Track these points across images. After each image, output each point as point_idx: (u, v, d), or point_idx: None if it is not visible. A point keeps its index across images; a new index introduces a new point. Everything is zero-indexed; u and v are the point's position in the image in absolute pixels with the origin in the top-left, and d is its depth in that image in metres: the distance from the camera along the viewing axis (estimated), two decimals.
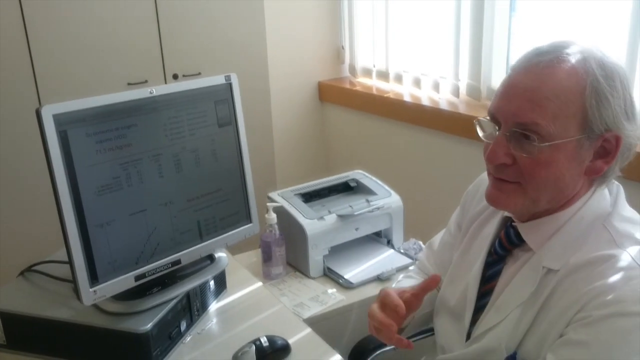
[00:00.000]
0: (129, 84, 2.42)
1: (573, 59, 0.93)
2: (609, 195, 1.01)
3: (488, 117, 1.01)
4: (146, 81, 2.46)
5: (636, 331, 0.86)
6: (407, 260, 1.84)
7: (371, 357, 1.47)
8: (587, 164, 0.96)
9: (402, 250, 1.92)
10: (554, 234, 1.00)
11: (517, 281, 1.03)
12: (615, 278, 0.90)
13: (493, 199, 1.03)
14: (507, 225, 1.09)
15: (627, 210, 1.01)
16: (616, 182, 1.04)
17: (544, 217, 1.01)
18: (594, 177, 0.98)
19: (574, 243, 0.98)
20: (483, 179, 1.22)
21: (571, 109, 0.92)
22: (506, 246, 1.07)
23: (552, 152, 0.93)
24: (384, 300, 1.12)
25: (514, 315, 1.01)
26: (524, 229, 1.04)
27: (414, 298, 1.11)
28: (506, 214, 1.10)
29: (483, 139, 1.04)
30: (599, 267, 0.92)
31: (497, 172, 1.00)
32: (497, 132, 0.98)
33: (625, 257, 0.92)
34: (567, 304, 0.93)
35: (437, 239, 1.37)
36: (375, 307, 1.14)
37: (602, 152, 0.96)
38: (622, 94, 0.93)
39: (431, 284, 1.09)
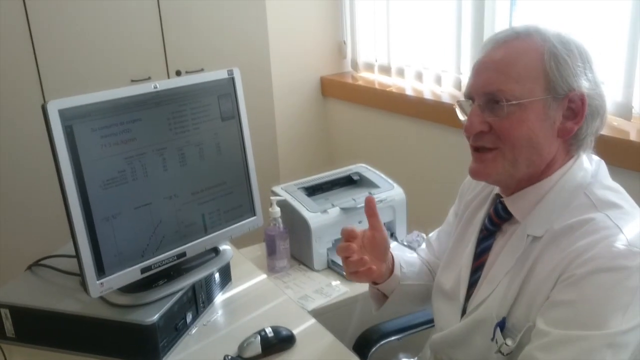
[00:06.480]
0: (132, 80, 2.43)
1: (531, 32, 1.03)
2: (590, 168, 1.06)
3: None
4: (149, 78, 2.47)
5: (619, 285, 0.90)
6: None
7: (375, 348, 1.49)
8: (558, 126, 1.02)
9: (405, 243, 1.93)
10: (537, 204, 1.05)
11: (505, 252, 1.08)
12: (594, 237, 0.94)
13: (474, 171, 1.09)
14: (496, 202, 1.13)
15: (609, 181, 1.06)
16: (597, 157, 1.09)
17: (526, 187, 1.06)
18: (567, 138, 1.03)
19: (556, 210, 1.02)
20: None
21: (533, 72, 1.00)
22: (495, 221, 1.12)
23: (521, 112, 1.00)
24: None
25: (503, 284, 1.05)
26: (509, 202, 1.09)
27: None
28: (496, 190, 1.14)
29: (462, 120, 1.10)
30: (580, 229, 0.97)
31: (476, 141, 1.06)
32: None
33: (604, 218, 0.96)
34: (551, 268, 0.96)
35: (437, 231, 1.41)
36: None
37: (570, 114, 1.02)
38: (578, 57, 1.01)
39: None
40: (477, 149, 1.07)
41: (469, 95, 1.07)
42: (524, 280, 1.01)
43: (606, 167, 1.08)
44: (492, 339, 1.03)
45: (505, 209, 1.09)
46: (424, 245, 1.43)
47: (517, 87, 0.99)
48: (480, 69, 1.05)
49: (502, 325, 1.02)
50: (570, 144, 1.04)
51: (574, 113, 1.01)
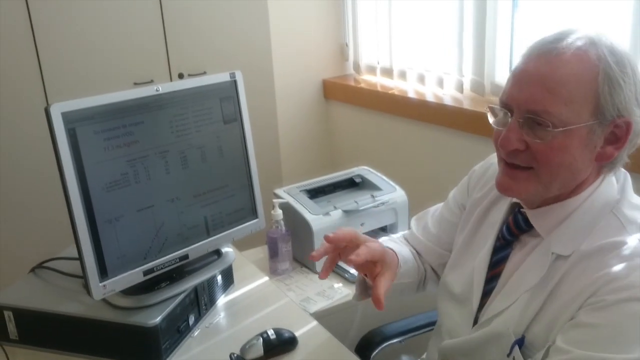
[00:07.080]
0: (135, 83, 2.44)
1: (585, 46, 0.94)
2: (616, 183, 1.02)
3: (499, 105, 1.01)
4: (152, 81, 2.47)
5: None
6: None
7: (377, 350, 1.49)
8: (598, 150, 0.96)
9: None
10: (563, 221, 1.01)
11: (526, 267, 1.04)
12: (627, 264, 0.91)
13: (504, 187, 1.03)
14: (515, 212, 1.09)
15: (635, 198, 1.02)
16: (623, 170, 1.04)
17: (553, 204, 1.02)
18: (604, 163, 0.99)
19: (583, 230, 0.98)
20: (492, 162, 1.21)
21: (584, 95, 0.92)
22: (514, 232, 1.08)
23: (565, 138, 0.93)
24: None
25: (522, 300, 1.01)
26: (533, 216, 1.04)
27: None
28: (515, 199, 1.10)
29: (493, 125, 1.03)
30: (610, 253, 0.93)
31: (509, 158, 1.00)
32: (510, 119, 0.98)
33: (636, 243, 0.93)
34: (578, 290, 0.93)
35: (428, 214, 1.36)
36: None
37: (612, 138, 0.96)
38: (632, 79, 0.94)
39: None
40: (508, 164, 1.01)
41: (507, 106, 0.98)
42: (547, 299, 0.98)
43: (630, 180, 1.05)
44: (509, 355, 1.01)
45: (526, 220, 1.05)
46: (413, 223, 1.38)
47: (564, 111, 0.92)
48: (526, 81, 0.96)
49: (520, 343, 1.00)
50: (603, 166, 1.00)
51: (616, 138, 0.96)
